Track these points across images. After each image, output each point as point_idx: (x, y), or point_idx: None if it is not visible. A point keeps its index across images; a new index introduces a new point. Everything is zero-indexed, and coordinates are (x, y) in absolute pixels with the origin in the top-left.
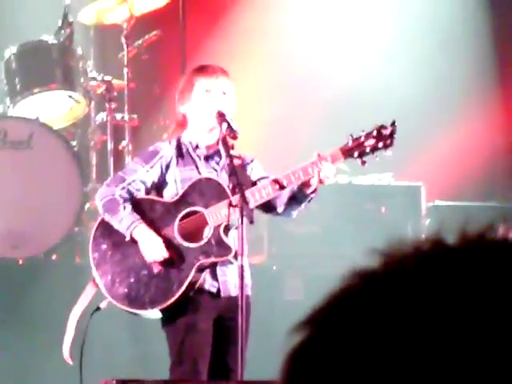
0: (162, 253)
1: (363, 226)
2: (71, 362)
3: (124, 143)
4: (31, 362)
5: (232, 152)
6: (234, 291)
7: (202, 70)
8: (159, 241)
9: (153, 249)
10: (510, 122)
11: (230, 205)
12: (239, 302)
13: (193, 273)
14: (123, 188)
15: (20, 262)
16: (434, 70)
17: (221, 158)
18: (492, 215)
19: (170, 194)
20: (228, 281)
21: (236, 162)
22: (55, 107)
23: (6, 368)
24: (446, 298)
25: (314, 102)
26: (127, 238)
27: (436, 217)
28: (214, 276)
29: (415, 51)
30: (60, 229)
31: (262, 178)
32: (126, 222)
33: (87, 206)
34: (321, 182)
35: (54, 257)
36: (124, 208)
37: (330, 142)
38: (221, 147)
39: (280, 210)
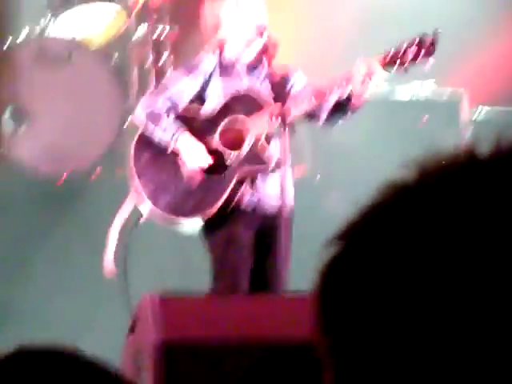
0: (205, 160)
1: (405, 137)
2: (114, 275)
3: (164, 57)
4: (76, 276)
5: (274, 62)
6: (274, 202)
7: None
8: (202, 148)
9: (196, 156)
10: None
11: (272, 114)
12: (281, 212)
13: (234, 181)
14: (166, 97)
15: (64, 175)
16: None
17: (263, 67)
18: None
19: (213, 104)
20: (266, 195)
21: (279, 72)
22: (96, 20)
23: (51, 281)
24: (477, 214)
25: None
26: (171, 147)
27: (479, 122)
28: (255, 188)
29: None
30: (101, 144)
31: (307, 87)
32: (169, 130)
33: (128, 120)
34: (363, 84)
35: (97, 170)
36: (167, 117)
37: (372, 48)
38: (264, 61)
39: (323, 120)
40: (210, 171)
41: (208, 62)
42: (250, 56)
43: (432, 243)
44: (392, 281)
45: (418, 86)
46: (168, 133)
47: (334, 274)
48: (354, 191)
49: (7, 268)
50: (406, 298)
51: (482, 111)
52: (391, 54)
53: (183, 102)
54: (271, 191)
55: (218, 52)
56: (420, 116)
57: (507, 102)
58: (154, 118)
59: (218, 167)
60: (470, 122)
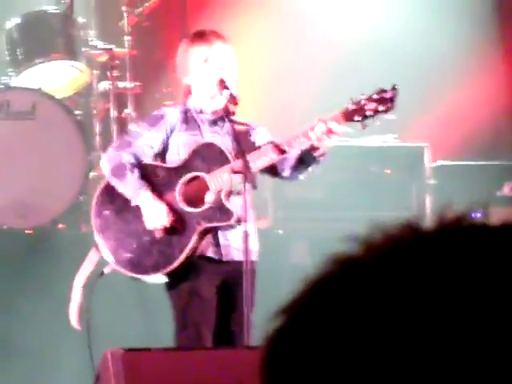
0: (164, 221)
1: (368, 188)
2: (79, 328)
3: (127, 111)
4: (39, 330)
5: (236, 118)
6: (237, 256)
7: (196, 37)
8: (163, 208)
9: (155, 216)
10: None
11: (233, 170)
12: (244, 267)
13: (195, 238)
14: (130, 153)
15: (26, 231)
16: (436, 30)
17: (225, 122)
18: (496, 174)
19: (173, 158)
20: (231, 245)
21: (240, 128)
22: (58, 77)
23: (15, 333)
24: (419, 287)
25: (318, 60)
26: (133, 203)
27: (440, 177)
28: (217, 242)
29: (417, 8)
30: (65, 198)
31: (267, 144)
32: (132, 187)
33: (92, 174)
34: (320, 141)
35: (59, 226)
36: (131, 173)
37: (333, 103)
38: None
39: (286, 173)
40: (170, 228)
41: (171, 114)
42: (213, 109)
43: (374, 319)
44: (332, 357)
45: (379, 140)
46: (130, 190)
47: (276, 347)
48: (317, 243)
49: None
50: (344, 373)
51: (443, 164)
52: (350, 110)
53: (146, 156)
54: (234, 243)
55: (180, 107)
56: (383, 167)
57: (468, 156)
58: (117, 173)
59: (178, 223)
60: (432, 175)
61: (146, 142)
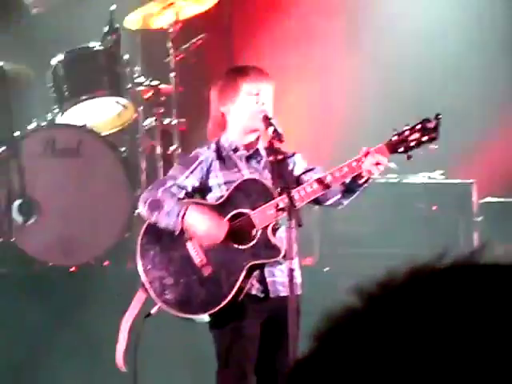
0: (221, 232)
1: (415, 225)
2: (125, 369)
3: (173, 148)
4: (81, 371)
5: (277, 152)
6: (282, 291)
7: (247, 71)
8: (213, 216)
9: (210, 230)
10: None
11: (277, 206)
12: (289, 303)
13: (243, 275)
14: (165, 189)
15: (72, 269)
16: (484, 65)
17: (261, 157)
18: None
19: (214, 197)
20: (276, 281)
21: (277, 158)
22: (103, 113)
23: (56, 375)
24: (419, 340)
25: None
26: (178, 227)
27: (488, 214)
28: (263, 279)
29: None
30: (111, 235)
31: (307, 171)
32: (174, 210)
33: (137, 211)
34: (369, 172)
35: (105, 263)
36: (168, 202)
37: (377, 137)
38: (261, 149)
39: (329, 202)
40: (217, 265)
41: (205, 154)
42: (249, 143)
43: (377, 369)
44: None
45: (425, 177)
46: (173, 214)
47: (302, 374)
48: (364, 281)
49: (16, 357)
50: None
51: (491, 201)
52: (394, 141)
53: (183, 195)
54: (279, 279)
55: (214, 145)
56: (430, 204)
57: None
58: (155, 206)
59: (225, 261)
60: (480, 213)
61: (179, 183)
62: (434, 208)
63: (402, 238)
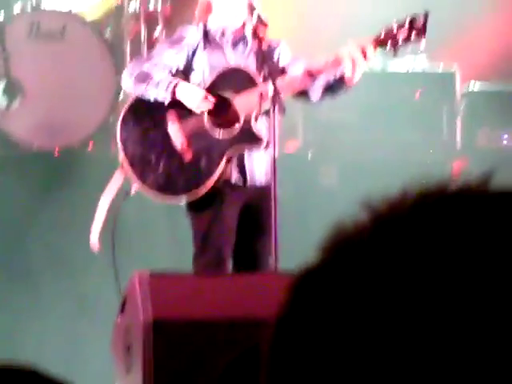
0: (209, 102)
1: (397, 112)
2: (97, 249)
3: (157, 32)
4: (64, 250)
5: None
6: (260, 180)
7: None
8: (203, 92)
9: (199, 100)
10: None
11: (261, 94)
12: (271, 191)
13: (223, 162)
14: (152, 64)
15: (56, 152)
16: None
17: (247, 42)
18: None
19: (197, 79)
20: (255, 169)
21: (264, 45)
22: None
23: (37, 260)
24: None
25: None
26: (168, 98)
27: (471, 101)
28: (242, 166)
29: None
30: (95, 118)
31: (292, 62)
32: (164, 82)
33: (121, 95)
34: (354, 66)
35: (89, 146)
36: (159, 73)
37: (363, 27)
38: (248, 34)
39: (314, 97)
40: (199, 151)
41: (192, 34)
42: (236, 29)
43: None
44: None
45: (410, 61)
46: (163, 85)
47: (282, 330)
48: (348, 167)
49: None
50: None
51: (475, 86)
52: (382, 35)
53: (168, 72)
54: (257, 168)
55: (202, 25)
56: (414, 89)
57: (499, 77)
58: (143, 77)
59: (207, 147)
60: (463, 97)
61: (167, 60)
62: (417, 95)
63: (385, 125)
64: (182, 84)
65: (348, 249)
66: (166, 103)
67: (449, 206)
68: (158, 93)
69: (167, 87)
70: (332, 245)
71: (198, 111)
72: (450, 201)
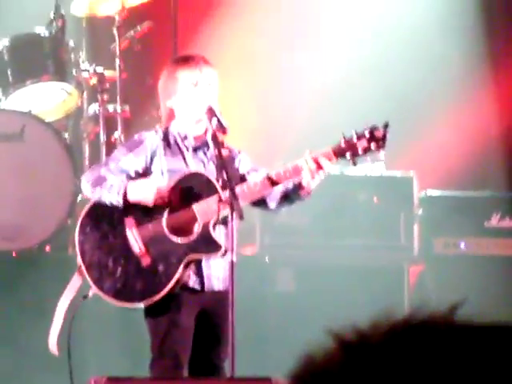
0: (164, 194)
1: (356, 216)
2: (57, 353)
3: (117, 134)
4: (21, 355)
5: (222, 146)
6: (218, 285)
7: (185, 61)
8: (153, 184)
9: (149, 192)
10: (503, 109)
11: (220, 200)
12: (229, 297)
13: (181, 268)
14: (109, 169)
15: (13, 254)
16: (426, 56)
17: (208, 148)
18: (484, 204)
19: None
20: (212, 274)
21: (224, 153)
22: (48, 99)
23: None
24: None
25: (305, 98)
26: (121, 203)
27: (428, 207)
28: (199, 271)
29: (406, 36)
30: (53, 221)
31: (251, 171)
32: (115, 186)
33: (80, 197)
34: (311, 178)
35: (47, 249)
36: (113, 177)
37: (324, 132)
38: (209, 141)
39: (271, 206)
40: (156, 257)
41: (150, 139)
42: (196, 135)
43: None
44: None
45: (368, 168)
46: (115, 189)
47: None
48: (303, 270)
49: None
50: None
51: (432, 192)
52: (341, 147)
53: (126, 176)
54: (215, 273)
55: (162, 130)
56: (372, 193)
57: (454, 186)
58: (98, 181)
59: (164, 253)
60: (421, 201)
61: (125, 164)
62: (375, 200)
63: (342, 230)
64: (131, 184)
65: (319, 379)
66: (121, 206)
67: (415, 338)
68: (112, 197)
69: (118, 190)
70: (303, 374)
71: (154, 203)
72: (417, 332)
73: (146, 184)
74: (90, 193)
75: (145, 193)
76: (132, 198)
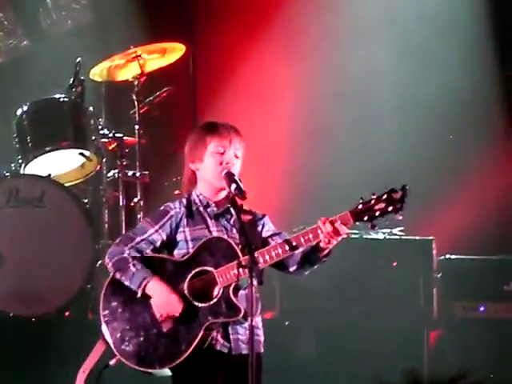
0: (177, 308)
1: (375, 280)
2: None
3: (136, 200)
4: None
5: (242, 210)
6: (244, 349)
7: (216, 130)
8: (173, 296)
9: (168, 304)
10: None
11: (240, 265)
12: (249, 360)
13: (202, 332)
14: (132, 247)
15: (33, 319)
16: (444, 122)
17: (231, 215)
18: (504, 268)
19: (181, 253)
20: (240, 338)
21: (246, 218)
22: (67, 164)
23: None
24: None
25: (324, 158)
26: (139, 294)
27: (447, 270)
28: (226, 335)
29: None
30: (72, 286)
31: (274, 235)
32: (137, 277)
33: (99, 262)
34: (329, 242)
35: (66, 314)
36: (134, 265)
37: (339, 197)
38: (230, 206)
39: (292, 269)
40: (178, 322)
41: (175, 211)
42: (218, 201)
43: None
44: None
45: (386, 234)
46: (135, 280)
47: None
48: (324, 334)
49: None
50: None
51: (450, 258)
52: (359, 209)
53: (149, 251)
54: (242, 337)
55: (185, 200)
56: (391, 256)
57: (472, 251)
58: (120, 267)
59: (186, 318)
60: (441, 265)
61: (148, 237)
62: (394, 264)
63: (361, 293)
64: (154, 283)
65: None
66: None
67: None
68: (132, 285)
69: (139, 285)
70: None
71: (162, 314)
72: None
73: (165, 293)
74: (112, 272)
75: (161, 298)
76: (149, 293)
